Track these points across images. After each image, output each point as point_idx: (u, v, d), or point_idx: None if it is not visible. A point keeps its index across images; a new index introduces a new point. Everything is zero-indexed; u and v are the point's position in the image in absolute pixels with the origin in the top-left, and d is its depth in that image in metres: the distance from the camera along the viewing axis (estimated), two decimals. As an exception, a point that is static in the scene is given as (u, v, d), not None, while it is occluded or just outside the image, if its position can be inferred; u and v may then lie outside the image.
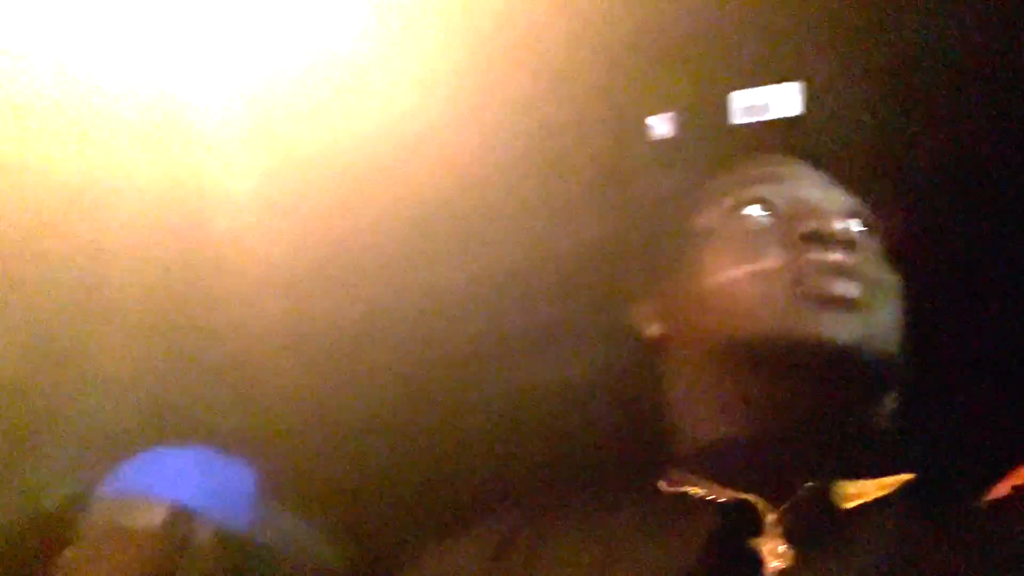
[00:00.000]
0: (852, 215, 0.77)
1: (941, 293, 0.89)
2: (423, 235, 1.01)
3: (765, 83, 0.80)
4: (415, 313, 1.06)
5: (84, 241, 1.01)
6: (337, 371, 1.10)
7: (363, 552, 1.08)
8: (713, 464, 0.75)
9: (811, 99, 0.81)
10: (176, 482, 1.10)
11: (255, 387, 1.11)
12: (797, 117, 0.82)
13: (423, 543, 0.81)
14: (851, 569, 0.64)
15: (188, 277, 1.05)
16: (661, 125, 0.84)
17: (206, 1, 0.85)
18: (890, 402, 0.76)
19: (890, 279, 0.76)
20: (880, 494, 0.69)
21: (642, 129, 0.85)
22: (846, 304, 0.71)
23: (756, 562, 0.66)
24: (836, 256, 0.72)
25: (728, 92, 0.80)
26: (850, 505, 0.69)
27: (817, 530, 0.67)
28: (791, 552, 0.66)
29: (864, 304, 0.72)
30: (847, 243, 0.73)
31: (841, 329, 0.70)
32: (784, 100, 0.80)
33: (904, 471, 0.71)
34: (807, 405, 0.72)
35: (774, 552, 0.67)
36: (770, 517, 0.69)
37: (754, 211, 0.78)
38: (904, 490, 0.70)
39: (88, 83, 0.90)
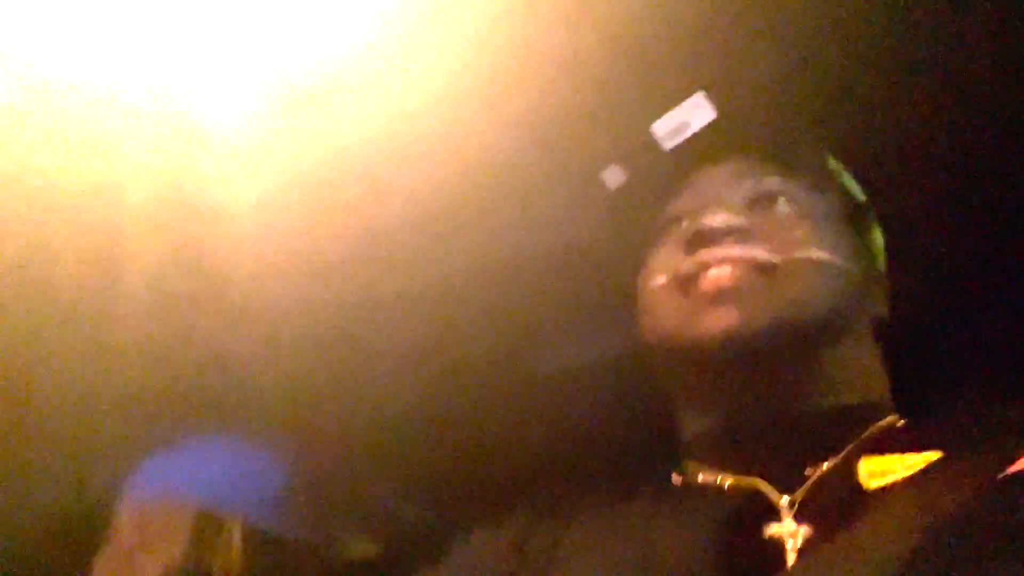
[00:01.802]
0: (759, 197, 0.81)
1: (964, 270, 0.94)
2: (434, 230, 1.03)
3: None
4: (429, 307, 1.08)
5: (97, 244, 1.01)
6: (352, 368, 1.12)
7: (386, 545, 1.12)
8: (717, 453, 0.76)
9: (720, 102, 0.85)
10: (203, 478, 1.14)
11: (272, 384, 1.13)
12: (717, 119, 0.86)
13: (445, 535, 0.83)
14: (874, 548, 0.62)
15: (198, 278, 1.05)
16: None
17: (213, 7, 0.85)
18: (852, 361, 0.77)
19: (800, 238, 0.78)
20: (906, 473, 0.67)
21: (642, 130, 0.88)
22: (722, 294, 0.75)
23: (777, 547, 0.66)
24: (714, 252, 0.76)
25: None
26: (876, 485, 0.68)
27: (839, 510, 0.66)
28: (811, 533, 0.66)
29: (746, 287, 0.75)
30: (729, 233, 0.77)
31: (721, 319, 0.74)
32: (697, 110, 0.85)
33: (928, 449, 0.69)
34: (759, 389, 0.75)
35: (793, 534, 0.67)
36: (784, 500, 0.69)
37: (669, 228, 0.83)
38: (930, 468, 0.67)
39: (97, 91, 0.90)
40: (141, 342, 1.09)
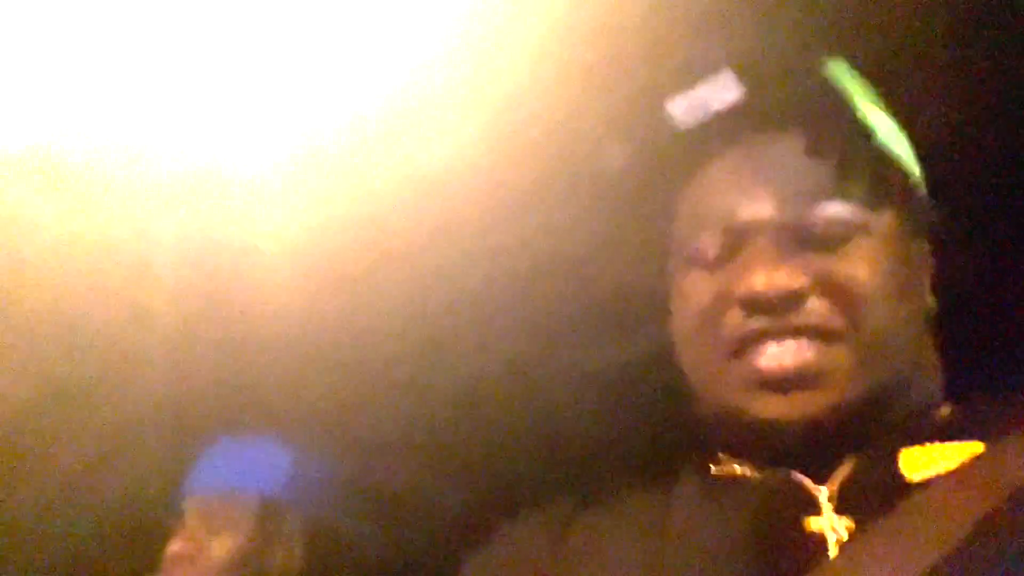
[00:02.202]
0: (814, 234, 0.70)
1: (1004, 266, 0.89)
2: (461, 244, 1.04)
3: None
4: (469, 311, 1.09)
5: (131, 286, 1.08)
6: (391, 375, 1.15)
7: (427, 539, 1.14)
8: (752, 446, 0.72)
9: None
10: (260, 474, 1.18)
11: (311, 397, 1.18)
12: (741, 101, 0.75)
13: (486, 528, 0.80)
14: (916, 544, 0.59)
15: (226, 312, 1.10)
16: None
17: (238, 61, 0.87)
18: (904, 360, 0.71)
19: (868, 290, 0.69)
20: (948, 466, 0.64)
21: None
22: (784, 378, 0.68)
23: (819, 541, 0.64)
24: (776, 323, 0.68)
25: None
26: (917, 477, 0.64)
27: (880, 502, 0.63)
28: (852, 526, 0.64)
29: (811, 367, 0.67)
30: (789, 297, 0.68)
31: (783, 405, 0.68)
32: (720, 89, 0.75)
33: (969, 440, 0.65)
34: (810, 440, 0.68)
35: (835, 528, 0.64)
36: (823, 492, 0.67)
37: (703, 262, 0.73)
38: (973, 461, 0.64)
39: (130, 143, 0.95)
40: (172, 371, 1.15)
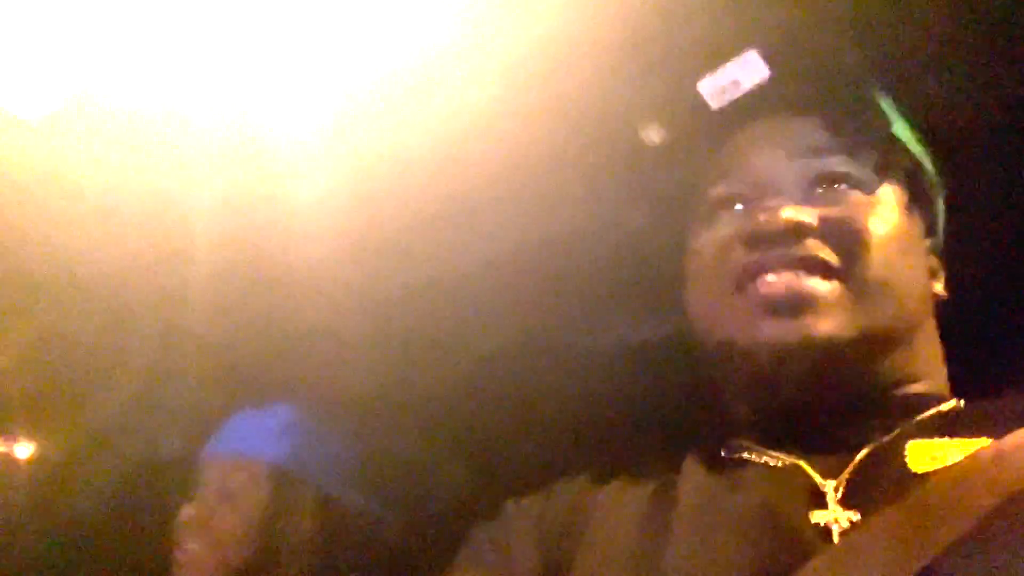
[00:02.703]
0: (821, 180, 0.75)
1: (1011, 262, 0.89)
2: (481, 218, 1.05)
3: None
4: (481, 290, 1.10)
5: (170, 242, 1.09)
6: (404, 348, 1.16)
7: (438, 516, 1.14)
8: (764, 434, 0.74)
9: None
10: (275, 443, 1.18)
11: (326, 361, 1.18)
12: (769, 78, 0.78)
13: (497, 503, 0.81)
14: (916, 534, 0.59)
15: (261, 268, 1.11)
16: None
17: (272, 25, 0.89)
18: (911, 347, 0.73)
19: (868, 235, 0.72)
20: (954, 459, 0.63)
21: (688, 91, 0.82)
22: (782, 303, 0.70)
23: (825, 533, 0.64)
24: (779, 252, 0.71)
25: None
26: (924, 469, 0.65)
27: (886, 494, 0.64)
28: (858, 519, 0.64)
29: (808, 295, 0.70)
30: (793, 231, 0.71)
31: (779, 330, 0.70)
32: (748, 69, 0.78)
33: (976, 434, 0.65)
34: (812, 385, 0.70)
35: (837, 519, 0.64)
36: (830, 485, 0.67)
37: (720, 211, 0.77)
38: (978, 455, 0.63)
39: (168, 105, 0.96)
40: (208, 326, 1.16)
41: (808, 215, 0.72)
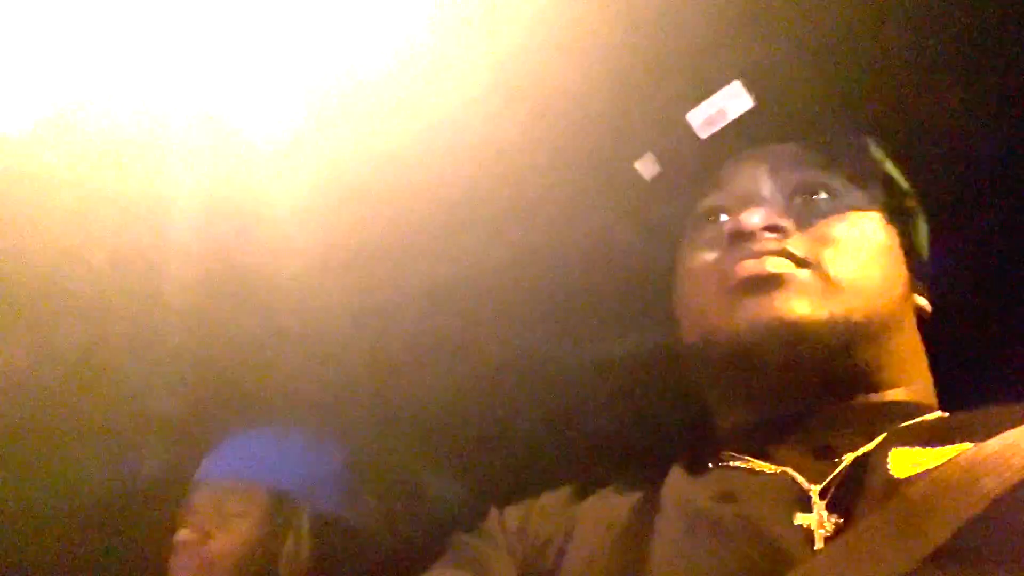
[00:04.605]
0: (799, 191, 0.80)
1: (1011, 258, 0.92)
2: (470, 227, 1.04)
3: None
4: (469, 301, 1.10)
5: (144, 247, 1.06)
6: (391, 360, 1.15)
7: (436, 533, 1.10)
8: (750, 442, 0.76)
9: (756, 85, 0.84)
10: (271, 465, 1.19)
11: (311, 375, 1.17)
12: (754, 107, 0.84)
13: (482, 514, 0.83)
14: (896, 539, 0.61)
15: (240, 276, 1.09)
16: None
17: (250, 22, 0.88)
18: (892, 355, 0.76)
19: (840, 236, 0.77)
20: (937, 463, 0.65)
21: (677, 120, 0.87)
22: (755, 282, 0.75)
23: (808, 536, 0.66)
24: (755, 246, 0.76)
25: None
26: (905, 475, 0.66)
27: (868, 500, 0.65)
28: (841, 523, 0.65)
29: (781, 277, 0.75)
30: (769, 229, 0.77)
31: (753, 307, 0.74)
32: (733, 99, 0.83)
33: (959, 442, 0.67)
34: (794, 383, 0.75)
35: (820, 523, 0.66)
36: (815, 489, 0.69)
37: (707, 222, 0.83)
38: (958, 460, 0.64)
39: (142, 104, 0.94)
40: (186, 337, 1.13)
41: (784, 221, 0.78)
